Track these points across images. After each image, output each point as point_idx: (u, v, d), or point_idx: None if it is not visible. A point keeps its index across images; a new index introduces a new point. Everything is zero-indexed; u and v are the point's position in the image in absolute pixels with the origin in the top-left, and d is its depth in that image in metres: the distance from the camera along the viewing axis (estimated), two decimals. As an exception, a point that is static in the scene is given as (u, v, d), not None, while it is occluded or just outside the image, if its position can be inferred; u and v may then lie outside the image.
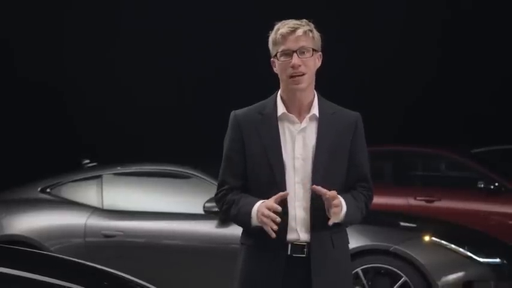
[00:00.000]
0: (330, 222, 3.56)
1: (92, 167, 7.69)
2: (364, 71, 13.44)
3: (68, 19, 13.42)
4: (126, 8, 13.50)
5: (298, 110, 3.67)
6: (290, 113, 3.66)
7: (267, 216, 3.50)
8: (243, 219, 3.61)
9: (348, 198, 3.64)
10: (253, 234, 3.65)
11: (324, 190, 3.52)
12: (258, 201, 3.57)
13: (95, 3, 13.50)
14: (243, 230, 3.75)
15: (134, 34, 13.45)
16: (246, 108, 3.74)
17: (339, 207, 3.54)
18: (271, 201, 3.52)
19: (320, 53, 3.69)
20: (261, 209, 3.53)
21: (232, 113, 3.73)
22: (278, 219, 3.50)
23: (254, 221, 3.57)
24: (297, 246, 3.62)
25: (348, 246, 3.78)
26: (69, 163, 8.41)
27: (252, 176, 3.65)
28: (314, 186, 3.54)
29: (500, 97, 13.68)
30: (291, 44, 3.60)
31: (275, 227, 3.50)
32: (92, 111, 13.19)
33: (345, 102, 4.00)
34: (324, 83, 3.94)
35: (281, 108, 3.67)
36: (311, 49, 3.62)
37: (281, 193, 3.54)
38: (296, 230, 3.62)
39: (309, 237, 3.62)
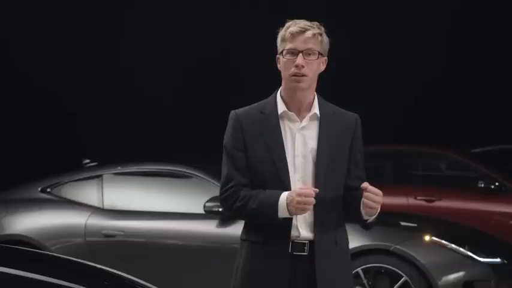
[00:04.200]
0: (370, 220, 3.62)
1: (92, 167, 7.69)
2: (364, 70, 13.44)
3: (70, 19, 13.42)
4: (129, 8, 13.48)
5: (298, 108, 3.68)
6: (290, 111, 3.68)
7: (305, 203, 3.51)
8: (267, 212, 3.57)
9: None
10: (257, 230, 3.66)
11: (369, 187, 3.55)
12: (281, 193, 3.57)
13: (97, 3, 13.48)
14: (245, 226, 3.74)
15: (135, 33, 13.44)
16: (246, 107, 3.76)
17: (374, 209, 3.57)
18: (303, 189, 3.53)
19: (326, 58, 3.70)
20: (293, 198, 3.52)
21: (233, 112, 3.74)
22: (314, 201, 3.52)
23: (282, 212, 3.56)
24: (298, 244, 3.63)
25: (348, 246, 3.80)
26: (70, 163, 8.41)
27: (255, 175, 3.65)
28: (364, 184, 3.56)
29: (500, 97, 13.68)
30: (298, 44, 3.61)
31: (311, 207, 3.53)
32: (92, 111, 13.18)
33: (345, 101, 4.00)
34: (325, 82, 3.94)
35: (281, 107, 3.69)
36: (317, 52, 3.63)
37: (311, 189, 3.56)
38: (297, 227, 3.63)
39: (312, 235, 3.63)
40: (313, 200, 3.52)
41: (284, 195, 3.56)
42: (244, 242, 3.72)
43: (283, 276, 3.61)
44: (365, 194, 3.55)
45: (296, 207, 3.53)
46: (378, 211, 3.62)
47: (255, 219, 3.67)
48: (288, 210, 3.55)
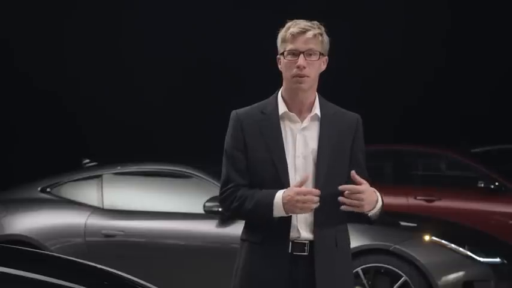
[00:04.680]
0: (371, 213, 3.59)
1: (92, 167, 7.69)
2: (364, 70, 13.44)
3: (70, 18, 13.42)
4: (129, 7, 13.48)
5: (299, 109, 3.68)
6: (291, 111, 3.67)
7: (304, 201, 3.50)
8: (262, 211, 3.58)
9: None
10: (257, 230, 3.65)
11: (358, 179, 3.54)
12: (277, 192, 3.56)
13: (97, 3, 13.49)
14: (245, 226, 3.74)
15: (136, 33, 13.44)
16: (247, 107, 3.75)
17: (362, 201, 3.53)
18: (301, 189, 3.52)
19: (326, 57, 3.70)
20: (292, 197, 3.51)
21: (234, 112, 3.73)
22: (317, 199, 3.51)
23: (277, 211, 3.56)
24: (298, 244, 3.62)
25: (349, 247, 3.79)
26: (69, 163, 8.41)
27: (255, 175, 3.65)
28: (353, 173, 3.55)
29: (500, 96, 13.68)
30: (299, 45, 3.61)
31: (315, 206, 3.52)
32: (92, 110, 13.18)
33: (345, 101, 4.00)
34: (325, 82, 3.95)
35: (282, 107, 3.68)
36: (318, 52, 3.63)
37: (303, 179, 3.54)
38: (297, 228, 3.63)
39: (312, 236, 3.62)
40: (314, 199, 3.51)
41: (280, 194, 3.56)
42: (244, 242, 3.72)
43: (283, 277, 3.61)
44: (341, 199, 3.54)
45: (295, 206, 3.53)
46: (379, 204, 3.60)
47: (252, 218, 3.68)
48: (285, 209, 3.55)
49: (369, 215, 3.62)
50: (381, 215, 3.67)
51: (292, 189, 3.54)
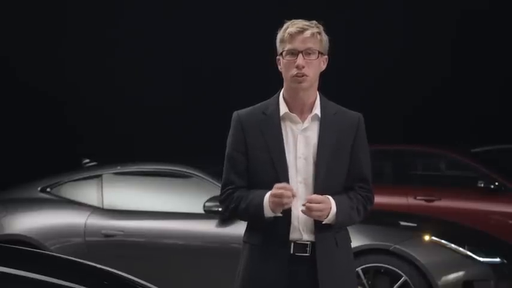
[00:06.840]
0: (326, 221, 3.59)
1: (92, 167, 7.68)
2: (365, 70, 13.44)
3: (67, 21, 13.43)
4: (128, 11, 13.49)
5: (300, 109, 3.68)
6: (292, 112, 3.67)
7: (280, 196, 3.50)
8: (255, 212, 3.59)
9: (342, 198, 3.65)
10: (257, 232, 3.66)
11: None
12: (267, 192, 3.57)
13: (93, 7, 13.49)
14: (247, 228, 3.75)
15: (133, 34, 13.45)
16: (248, 108, 3.76)
17: (321, 211, 3.55)
18: (279, 184, 3.54)
19: (326, 56, 3.69)
20: (271, 193, 3.53)
21: (235, 113, 3.74)
22: (293, 191, 3.51)
23: (267, 211, 3.57)
24: (300, 245, 3.63)
25: (350, 246, 3.79)
26: (69, 163, 8.41)
27: (255, 176, 3.66)
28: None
29: (500, 97, 13.68)
30: (297, 44, 3.61)
31: (290, 200, 3.50)
32: (91, 111, 13.19)
33: (345, 101, 4.00)
34: (328, 82, 3.94)
35: (283, 108, 3.68)
36: (317, 51, 3.63)
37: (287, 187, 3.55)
38: (299, 229, 3.63)
39: (313, 237, 3.63)
40: (287, 193, 3.50)
41: (268, 194, 3.57)
42: (245, 244, 3.73)
43: (284, 278, 3.61)
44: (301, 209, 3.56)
45: (272, 202, 3.53)
46: (332, 214, 3.59)
47: (247, 218, 3.70)
48: (271, 208, 3.56)
49: (324, 222, 3.61)
50: (345, 219, 3.66)
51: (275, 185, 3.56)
